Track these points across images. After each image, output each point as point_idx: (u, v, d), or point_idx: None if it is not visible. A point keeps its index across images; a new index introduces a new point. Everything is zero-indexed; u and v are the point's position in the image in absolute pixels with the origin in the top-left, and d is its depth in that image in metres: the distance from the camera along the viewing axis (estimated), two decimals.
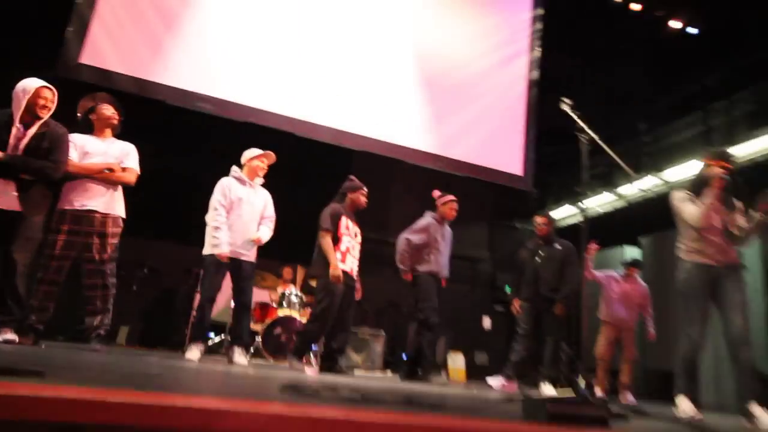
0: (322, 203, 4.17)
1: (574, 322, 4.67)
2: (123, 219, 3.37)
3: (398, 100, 5.94)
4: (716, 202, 2.95)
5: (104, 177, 3.27)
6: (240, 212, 3.73)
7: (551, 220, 4.76)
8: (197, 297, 6.09)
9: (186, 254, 6.62)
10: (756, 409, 2.66)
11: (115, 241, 3.29)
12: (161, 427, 0.84)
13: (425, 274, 4.42)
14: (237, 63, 5.35)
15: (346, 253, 3.90)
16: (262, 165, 3.90)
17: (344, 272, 3.84)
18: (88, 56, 4.90)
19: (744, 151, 6.18)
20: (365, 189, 4.11)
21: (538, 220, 4.74)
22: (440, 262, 4.50)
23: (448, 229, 4.73)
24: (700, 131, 6.84)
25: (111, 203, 3.31)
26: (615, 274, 5.33)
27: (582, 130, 2.34)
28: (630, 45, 7.55)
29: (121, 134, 3.51)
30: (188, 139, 6.53)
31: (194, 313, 5.99)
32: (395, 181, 7.61)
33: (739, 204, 3.07)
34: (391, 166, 6.50)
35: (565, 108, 2.43)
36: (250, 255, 3.78)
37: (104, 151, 3.33)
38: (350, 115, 5.67)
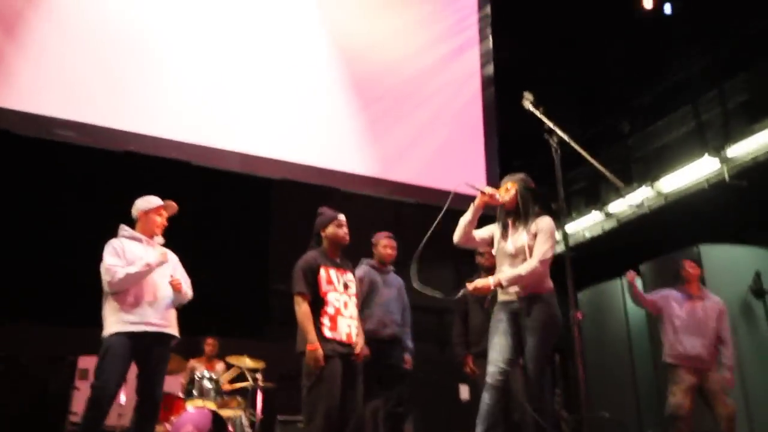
0: (236, 253, 4.08)
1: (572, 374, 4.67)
2: None
3: (322, 115, 5.97)
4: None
5: None
6: (144, 280, 3.63)
7: None
8: (74, 394, 5.86)
9: (55, 338, 6.32)
10: None
11: None
12: None
13: None
14: (107, 78, 5.24)
15: (336, 316, 3.67)
16: (161, 219, 3.85)
17: (339, 343, 3.63)
18: None
19: (744, 149, 6.56)
20: (341, 217, 3.90)
21: (489, 249, 4.51)
22: (377, 316, 4.46)
23: (394, 277, 4.74)
24: (693, 128, 7.22)
25: None
26: (672, 292, 4.99)
27: (551, 131, 2.39)
28: (600, 31, 7.94)
29: None
30: (46, 183, 6.30)
31: (71, 416, 5.69)
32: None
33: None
34: (321, 198, 6.45)
35: (527, 105, 2.48)
36: (168, 327, 3.68)
37: None
38: (262, 136, 5.63)
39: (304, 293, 3.64)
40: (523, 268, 3.28)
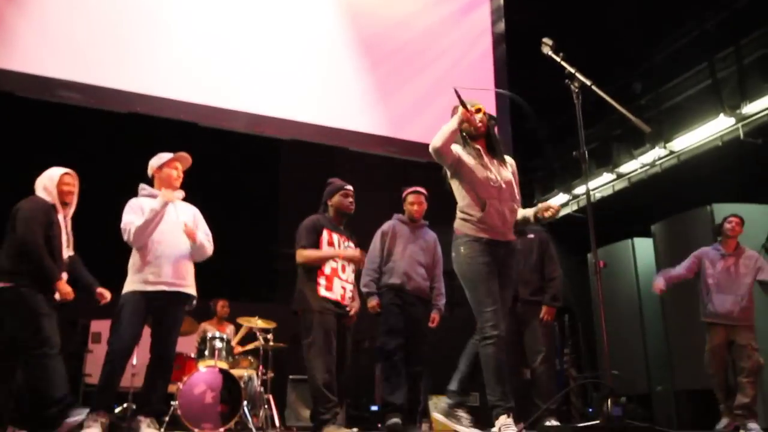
0: (245, 216, 4.08)
1: (581, 333, 4.64)
2: None
3: (330, 74, 5.85)
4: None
5: None
6: (162, 236, 3.64)
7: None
8: (88, 357, 5.89)
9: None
10: None
11: None
12: None
13: (384, 289, 4.43)
14: (112, 39, 5.14)
15: (332, 276, 3.82)
16: (177, 172, 3.85)
17: (333, 302, 3.78)
18: None
19: (760, 106, 6.39)
20: (348, 187, 4.06)
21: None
22: (402, 269, 4.44)
23: (426, 232, 4.72)
24: (707, 86, 7.02)
25: None
26: (708, 250, 4.97)
27: (572, 77, 2.30)
28: None
29: None
30: (52, 146, 6.26)
31: (85, 377, 5.73)
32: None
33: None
34: (331, 161, 6.37)
35: (546, 50, 2.38)
36: (185, 286, 3.71)
37: None
38: (270, 96, 5.54)
39: (305, 246, 3.79)
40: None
